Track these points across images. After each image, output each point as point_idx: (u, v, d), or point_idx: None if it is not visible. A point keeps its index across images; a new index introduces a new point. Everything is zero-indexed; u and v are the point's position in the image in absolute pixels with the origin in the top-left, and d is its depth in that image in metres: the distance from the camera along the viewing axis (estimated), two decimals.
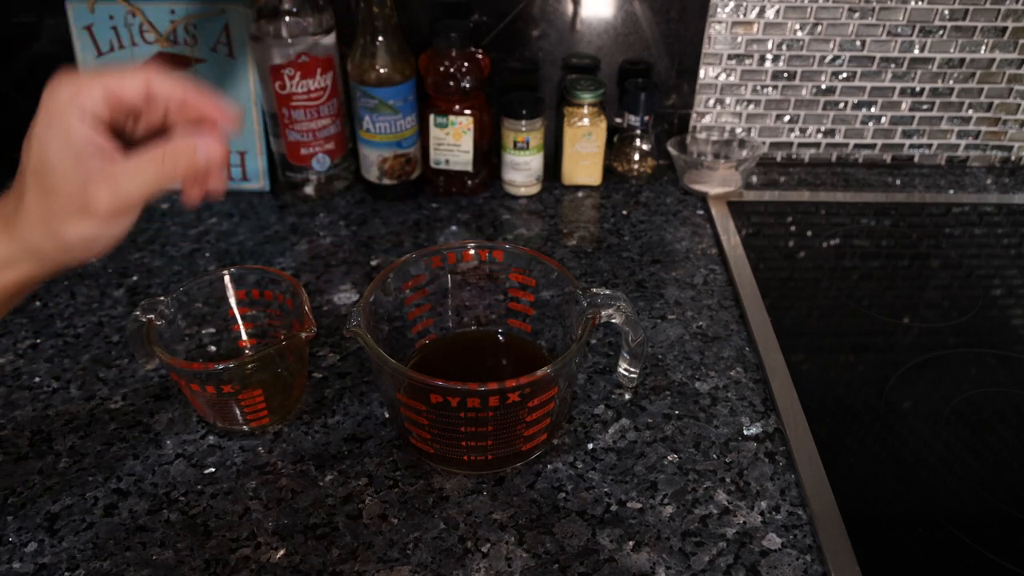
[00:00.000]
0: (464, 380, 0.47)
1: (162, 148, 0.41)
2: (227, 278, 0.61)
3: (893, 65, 0.89)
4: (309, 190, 0.86)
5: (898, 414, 0.60)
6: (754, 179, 0.93)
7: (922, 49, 0.87)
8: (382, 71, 0.78)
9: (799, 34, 0.86)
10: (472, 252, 0.60)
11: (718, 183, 0.88)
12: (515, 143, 0.84)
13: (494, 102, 0.86)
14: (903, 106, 0.92)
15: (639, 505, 0.52)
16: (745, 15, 0.85)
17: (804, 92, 0.91)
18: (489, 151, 0.87)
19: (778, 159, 0.96)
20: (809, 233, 0.83)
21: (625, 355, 0.58)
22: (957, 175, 0.94)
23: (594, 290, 0.54)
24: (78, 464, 0.55)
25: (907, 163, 0.96)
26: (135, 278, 0.74)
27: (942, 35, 0.86)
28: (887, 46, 0.87)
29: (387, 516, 0.52)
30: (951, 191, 0.91)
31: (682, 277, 0.75)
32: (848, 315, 0.70)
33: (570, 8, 0.85)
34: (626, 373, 0.59)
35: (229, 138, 0.45)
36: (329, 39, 0.80)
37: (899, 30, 0.86)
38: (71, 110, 0.40)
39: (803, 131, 0.94)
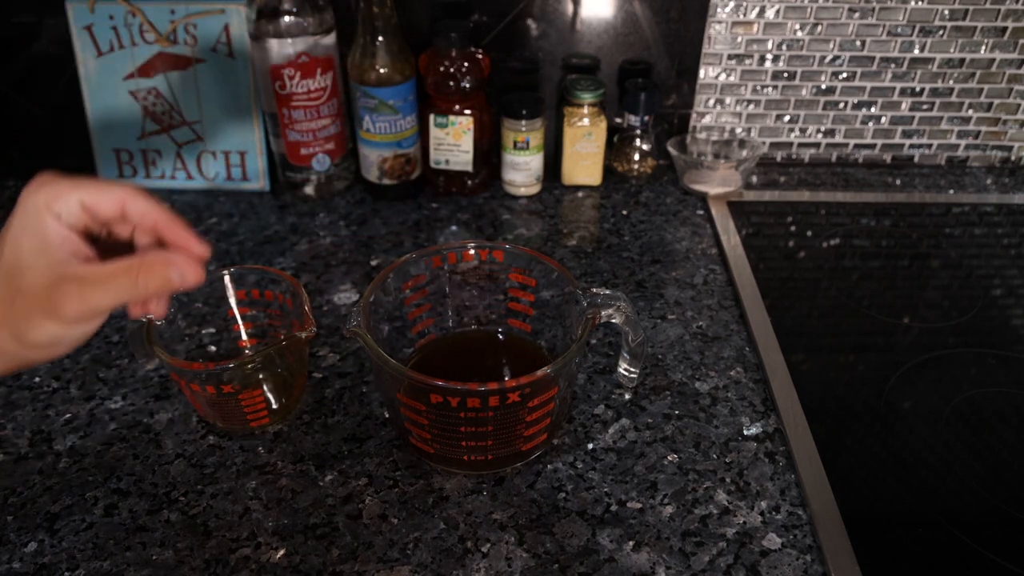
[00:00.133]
0: (464, 380, 0.47)
1: (136, 262, 0.41)
2: (227, 278, 0.60)
3: (893, 65, 0.89)
4: (309, 190, 0.86)
5: (898, 414, 0.60)
6: (754, 179, 0.93)
7: (922, 49, 0.87)
8: (382, 71, 0.78)
9: (799, 34, 0.86)
10: (472, 252, 0.60)
11: (718, 183, 0.88)
12: (515, 143, 0.84)
13: (494, 102, 0.86)
14: (903, 106, 0.92)
15: (639, 505, 0.52)
16: (745, 15, 0.85)
17: (804, 92, 0.91)
18: (489, 151, 0.87)
19: (778, 159, 0.96)
20: (809, 233, 0.83)
21: (625, 355, 0.58)
22: (957, 175, 0.94)
23: (594, 290, 0.54)
24: (78, 464, 0.55)
25: (907, 163, 0.96)
26: None
27: (942, 35, 0.86)
28: (887, 46, 0.87)
29: (387, 516, 0.52)
30: (951, 191, 0.91)
31: (682, 277, 0.75)
32: (848, 315, 0.70)
33: (570, 8, 0.85)
34: (626, 373, 0.59)
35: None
36: (329, 39, 0.80)
37: (899, 30, 0.86)
38: (47, 213, 0.40)
39: (803, 131, 0.94)
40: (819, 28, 0.86)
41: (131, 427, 0.58)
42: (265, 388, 0.57)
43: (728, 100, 0.91)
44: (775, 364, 0.63)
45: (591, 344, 0.67)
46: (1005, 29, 0.86)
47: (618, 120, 0.89)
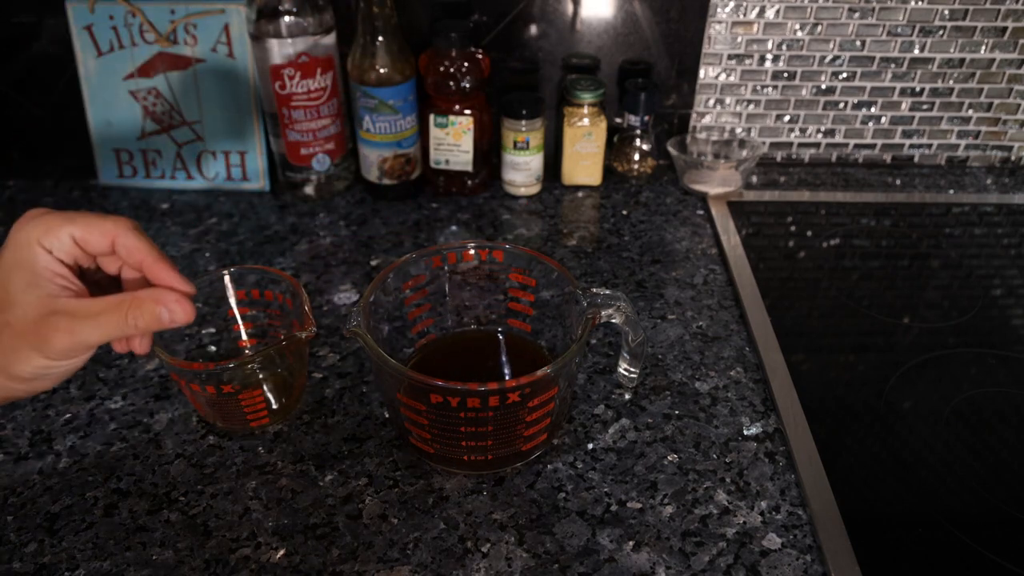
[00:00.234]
0: (464, 380, 0.47)
1: (127, 299, 0.41)
2: (227, 278, 0.60)
3: (893, 65, 0.89)
4: (309, 190, 0.86)
5: (898, 414, 0.60)
6: (754, 179, 0.93)
7: (922, 49, 0.87)
8: (382, 71, 0.78)
9: (799, 34, 0.86)
10: (472, 252, 0.60)
11: (718, 183, 0.88)
12: (515, 143, 0.84)
13: (494, 102, 0.86)
14: (903, 106, 0.92)
15: (639, 505, 0.52)
16: (745, 15, 0.85)
17: (804, 92, 0.91)
18: (489, 151, 0.87)
19: (778, 159, 0.96)
20: (809, 233, 0.83)
21: (625, 355, 0.58)
22: (957, 175, 0.94)
23: (594, 290, 0.54)
24: (78, 464, 0.55)
25: (907, 163, 0.96)
26: None
27: (942, 35, 0.86)
28: (887, 46, 0.87)
29: (387, 516, 0.52)
30: (951, 191, 0.91)
31: (682, 277, 0.75)
32: (848, 315, 0.70)
33: (570, 8, 0.85)
34: (626, 373, 0.59)
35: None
36: (329, 39, 0.80)
37: (899, 30, 0.86)
38: (39, 247, 0.40)
39: (803, 131, 0.94)
40: (819, 28, 0.86)
41: (131, 427, 0.58)
42: (265, 388, 0.57)
43: (728, 100, 0.91)
44: (775, 364, 0.63)
45: (591, 344, 0.67)
46: (1005, 29, 0.86)
47: (618, 120, 0.89)
